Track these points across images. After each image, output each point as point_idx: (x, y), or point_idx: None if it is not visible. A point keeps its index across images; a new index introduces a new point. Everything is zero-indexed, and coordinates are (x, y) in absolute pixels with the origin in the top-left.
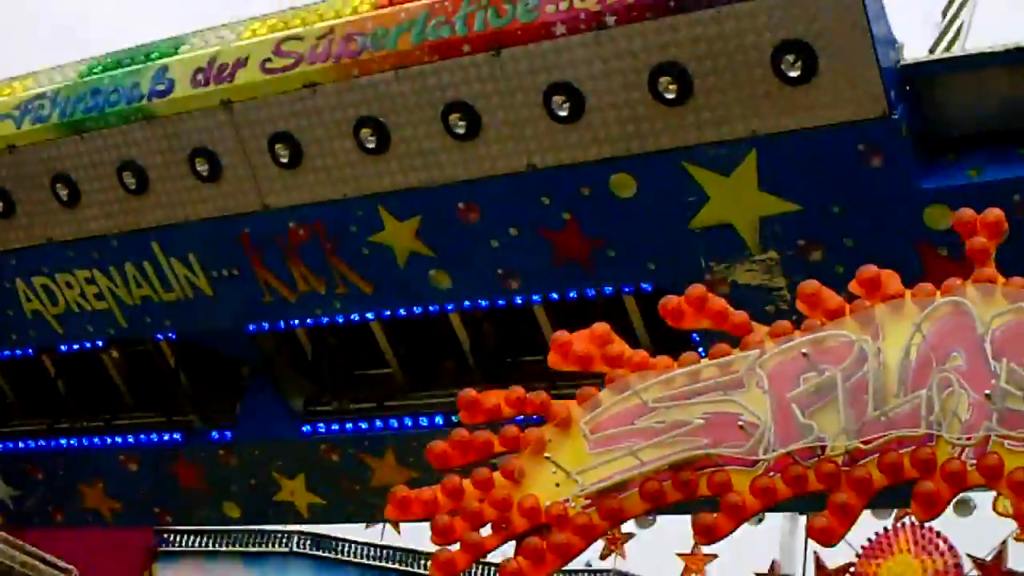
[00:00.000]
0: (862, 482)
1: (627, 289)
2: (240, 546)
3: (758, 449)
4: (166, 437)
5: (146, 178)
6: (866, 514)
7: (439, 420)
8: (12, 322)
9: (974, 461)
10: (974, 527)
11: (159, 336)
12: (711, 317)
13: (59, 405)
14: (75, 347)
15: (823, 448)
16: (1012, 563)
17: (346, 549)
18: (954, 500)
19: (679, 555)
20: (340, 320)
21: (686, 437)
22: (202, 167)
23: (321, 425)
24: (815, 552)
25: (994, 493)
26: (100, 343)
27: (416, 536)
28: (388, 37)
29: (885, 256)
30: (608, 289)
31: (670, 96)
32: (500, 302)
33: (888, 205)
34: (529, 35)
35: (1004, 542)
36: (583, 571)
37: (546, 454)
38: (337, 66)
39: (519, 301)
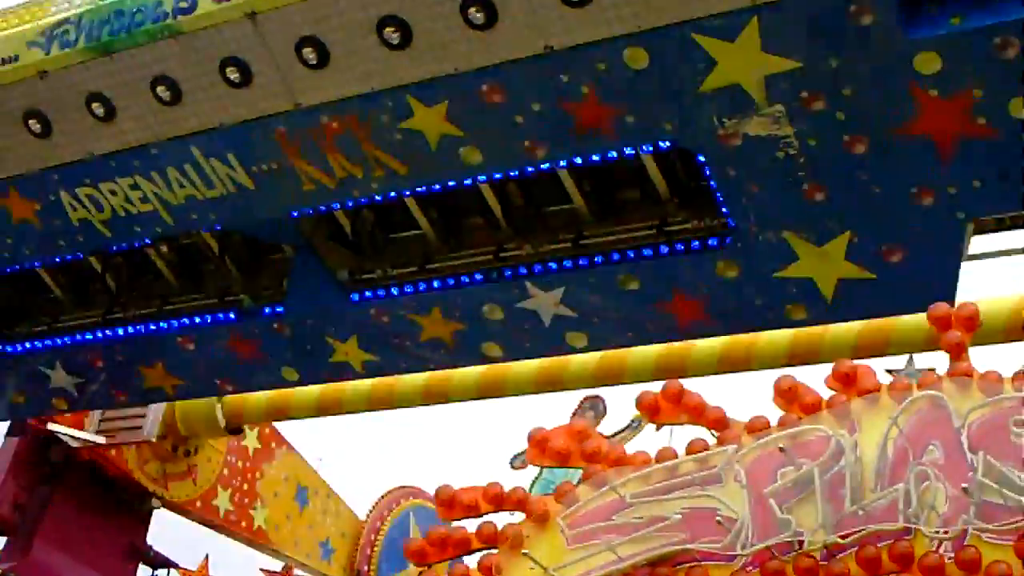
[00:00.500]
0: None
1: (646, 149)
2: None
3: (736, 544)
4: (220, 317)
5: (179, 90)
6: None
7: (479, 277)
8: (59, 230)
9: (952, 555)
10: None
11: (205, 228)
12: (688, 412)
13: (110, 299)
14: (124, 246)
15: (801, 543)
16: None
17: None
18: None
19: None
20: (379, 199)
21: (664, 532)
22: (233, 75)
23: (368, 292)
24: None
25: None
26: (148, 241)
27: None
28: None
29: (880, 100)
30: (629, 151)
31: None
32: (528, 170)
33: (880, 56)
34: None
35: None
36: None
37: (524, 550)
38: None
39: (546, 167)
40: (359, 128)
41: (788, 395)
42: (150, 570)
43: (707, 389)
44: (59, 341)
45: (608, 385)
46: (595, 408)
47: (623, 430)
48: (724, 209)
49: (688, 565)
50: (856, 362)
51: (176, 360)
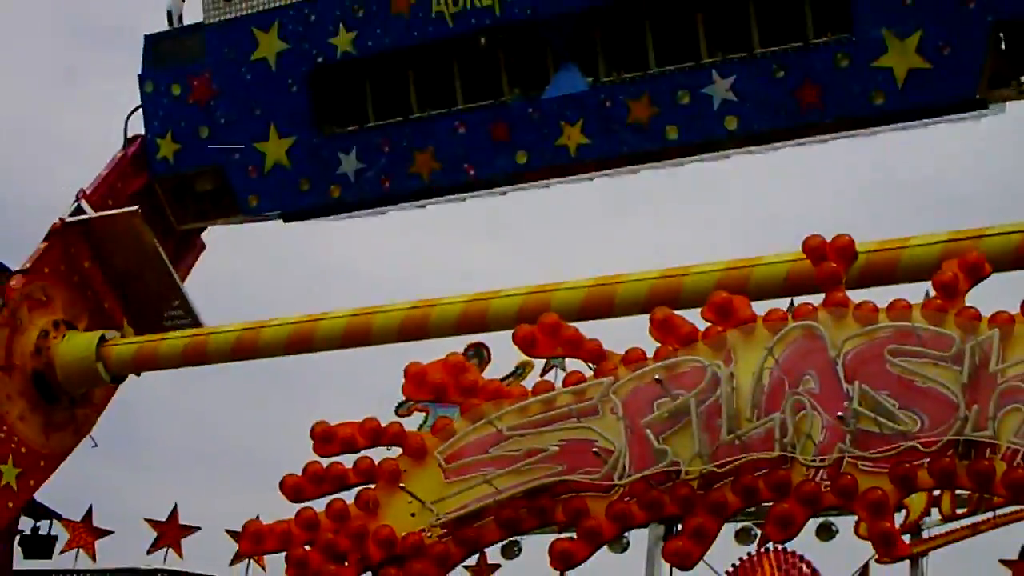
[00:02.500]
0: (717, 506)
1: None
2: None
3: (613, 474)
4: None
5: None
6: (729, 540)
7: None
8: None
9: (828, 482)
10: (836, 551)
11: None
12: (564, 344)
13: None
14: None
15: (678, 472)
16: None
17: None
18: (817, 525)
19: None
20: None
21: (541, 464)
22: None
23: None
24: None
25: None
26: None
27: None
28: None
29: None
30: None
31: None
32: None
33: None
34: None
35: (866, 564)
36: None
37: (401, 484)
38: None
39: None
40: None
41: (664, 326)
42: (32, 521)
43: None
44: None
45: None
46: (479, 355)
47: (507, 377)
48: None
49: (565, 496)
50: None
51: (445, 144)
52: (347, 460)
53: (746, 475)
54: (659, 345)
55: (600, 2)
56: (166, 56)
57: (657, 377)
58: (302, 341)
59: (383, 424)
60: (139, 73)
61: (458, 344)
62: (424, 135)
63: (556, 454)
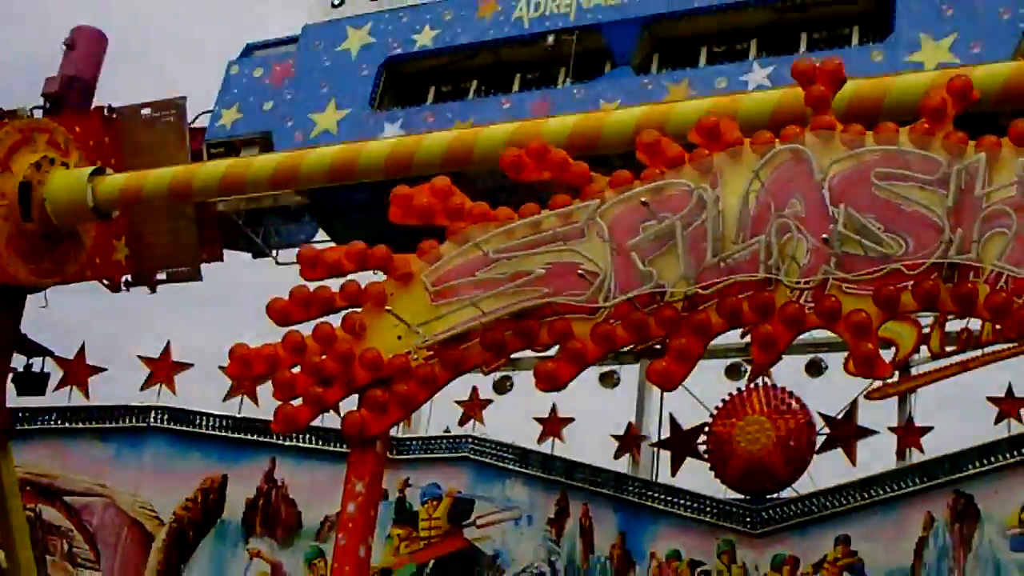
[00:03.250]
0: (701, 326)
1: None
2: (96, 423)
3: (598, 297)
4: None
5: None
6: (719, 375)
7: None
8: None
9: (812, 304)
10: (825, 387)
11: None
12: (550, 169)
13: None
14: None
15: (663, 294)
16: (862, 421)
17: (203, 422)
18: (806, 361)
19: (537, 420)
20: None
21: (527, 287)
22: None
23: None
24: (670, 414)
25: (845, 354)
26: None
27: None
28: None
29: None
30: None
31: None
32: None
33: None
34: None
35: (854, 401)
36: (441, 437)
37: (387, 307)
38: None
39: None
40: None
41: (651, 149)
42: (25, 358)
43: None
44: None
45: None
46: None
47: None
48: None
49: (551, 319)
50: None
51: (487, 117)
52: (334, 284)
53: (730, 297)
54: (646, 168)
55: (661, 13)
56: (258, 52)
57: (643, 200)
58: (289, 176)
59: (369, 248)
60: (229, 60)
61: None
62: (470, 110)
63: (542, 277)
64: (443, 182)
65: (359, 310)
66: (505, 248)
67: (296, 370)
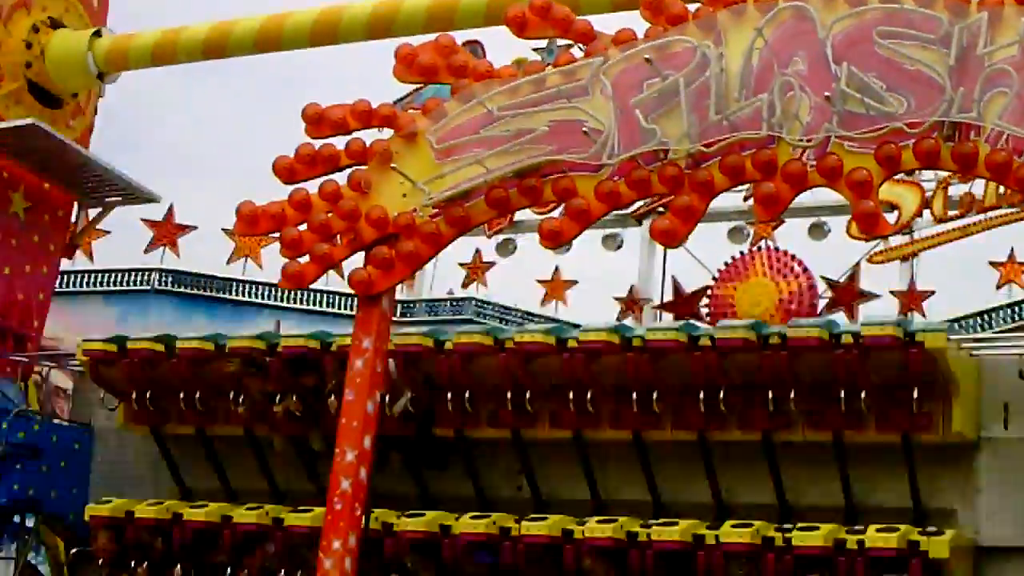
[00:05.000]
0: (704, 184)
1: None
2: (101, 285)
3: (602, 154)
4: None
5: None
6: (723, 238)
7: None
8: None
9: (814, 162)
10: (828, 250)
11: None
12: (554, 25)
13: None
14: None
15: (666, 152)
16: (864, 284)
17: (206, 284)
18: (809, 224)
19: (539, 282)
20: None
21: (531, 144)
22: None
23: None
24: (673, 277)
25: (847, 217)
26: None
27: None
28: None
29: None
30: None
31: None
32: None
33: None
34: None
35: (857, 264)
36: (445, 300)
37: (392, 165)
38: None
39: None
40: None
41: (654, 6)
42: None
43: None
44: None
45: None
46: (474, 53)
47: None
48: None
49: (555, 176)
50: None
51: None
52: (339, 142)
53: (733, 154)
54: (649, 26)
55: None
56: None
57: (647, 57)
58: (270, 39)
59: (374, 106)
60: None
61: None
62: None
63: (546, 134)
64: (447, 39)
65: (364, 167)
66: (509, 106)
67: (302, 228)
